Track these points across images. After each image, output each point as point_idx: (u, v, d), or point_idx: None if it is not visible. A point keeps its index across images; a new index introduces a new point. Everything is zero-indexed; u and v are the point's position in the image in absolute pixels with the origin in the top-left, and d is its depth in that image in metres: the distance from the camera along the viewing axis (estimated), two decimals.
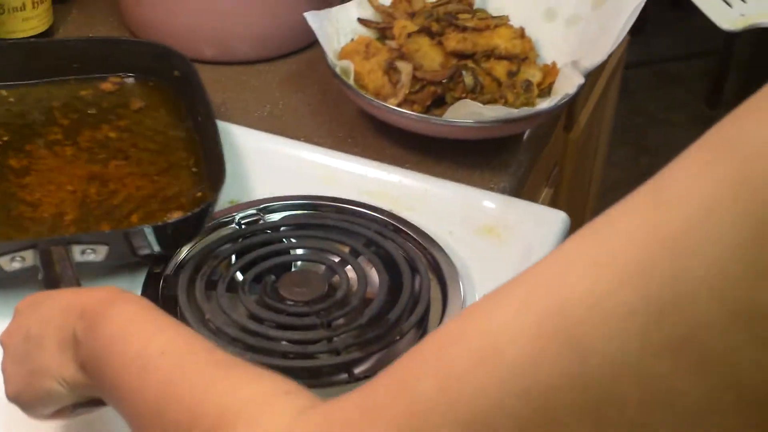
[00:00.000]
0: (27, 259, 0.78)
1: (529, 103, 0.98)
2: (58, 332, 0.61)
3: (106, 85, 1.00)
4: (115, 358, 0.56)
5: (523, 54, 1.02)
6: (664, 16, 2.87)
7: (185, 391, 0.52)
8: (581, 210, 1.70)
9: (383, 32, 1.06)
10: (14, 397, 0.64)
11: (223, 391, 0.50)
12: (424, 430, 0.40)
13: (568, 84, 0.97)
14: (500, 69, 1.00)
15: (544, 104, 0.96)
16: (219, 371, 0.53)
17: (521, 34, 1.04)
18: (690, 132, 2.63)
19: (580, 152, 1.49)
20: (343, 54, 1.02)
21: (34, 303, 0.65)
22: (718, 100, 2.67)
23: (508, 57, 1.01)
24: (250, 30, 1.11)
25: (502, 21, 1.05)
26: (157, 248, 0.82)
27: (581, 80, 0.95)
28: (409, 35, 1.01)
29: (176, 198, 0.89)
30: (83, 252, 0.80)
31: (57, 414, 0.65)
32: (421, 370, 0.42)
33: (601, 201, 2.08)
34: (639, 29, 2.16)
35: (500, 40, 1.02)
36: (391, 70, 0.99)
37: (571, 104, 1.32)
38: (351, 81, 0.99)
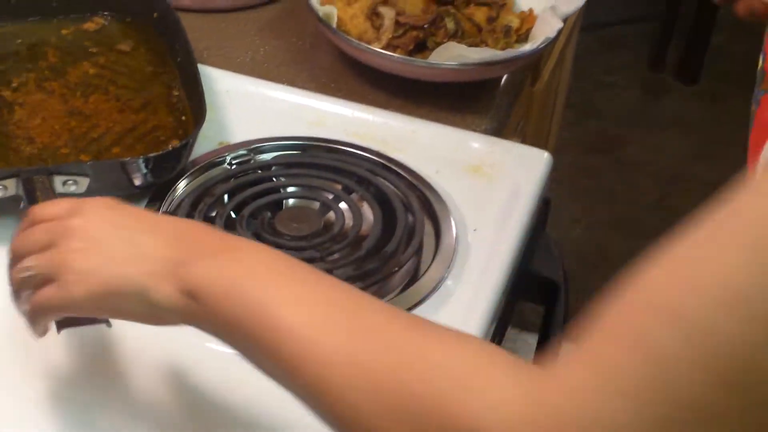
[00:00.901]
0: (9, 188, 0.79)
1: (508, 47, 1.01)
2: (155, 250, 0.57)
3: (89, 25, 1.01)
4: (244, 308, 0.53)
5: (501, 0, 1.04)
6: None
7: (407, 363, 0.48)
8: None
9: None
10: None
11: (434, 361, 0.47)
12: (675, 385, 0.40)
13: (546, 29, 0.99)
14: (480, 15, 1.02)
15: (526, 47, 0.99)
16: (419, 337, 0.49)
17: None
18: (634, 94, 2.69)
19: (541, 109, 1.52)
20: (326, 0, 1.03)
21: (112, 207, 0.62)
22: (661, 64, 2.73)
23: (487, 3, 1.03)
24: None
25: None
26: (138, 182, 0.83)
27: (560, 24, 0.98)
28: None
29: (155, 133, 0.90)
30: (64, 183, 0.80)
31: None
32: (655, 323, 0.41)
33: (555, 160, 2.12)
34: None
35: None
36: (373, 15, 1.01)
37: (537, 58, 1.35)
38: (334, 26, 1.00)
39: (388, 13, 1.00)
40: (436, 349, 0.48)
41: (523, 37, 1.03)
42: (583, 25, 2.76)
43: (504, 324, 0.86)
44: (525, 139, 1.40)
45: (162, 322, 0.60)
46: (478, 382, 0.46)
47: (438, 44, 0.98)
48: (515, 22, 1.03)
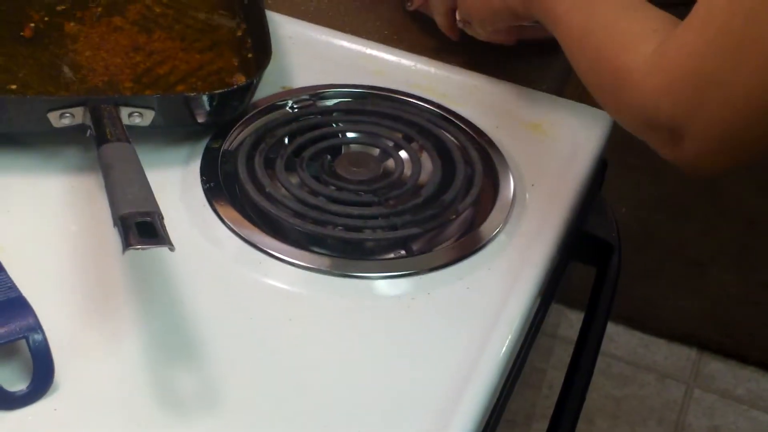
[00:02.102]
0: (76, 116, 0.80)
1: None
2: None
3: None
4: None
5: None
6: None
7: (599, 26, 0.74)
8: None
9: None
10: (466, 14, 0.92)
11: (621, 28, 0.72)
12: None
13: None
14: None
15: None
16: (622, 13, 0.73)
17: None
18: None
19: None
20: None
21: None
22: None
23: None
24: None
25: None
26: (201, 119, 0.84)
27: None
28: None
29: (220, 75, 0.90)
30: (130, 115, 0.81)
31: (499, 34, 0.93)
32: None
33: None
34: None
35: None
36: None
37: None
38: None
39: None
40: (623, 19, 0.73)
41: None
42: None
43: (555, 282, 0.86)
44: (583, 102, 1.40)
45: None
46: (638, 45, 0.69)
47: None
48: None
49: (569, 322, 1.28)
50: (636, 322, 1.97)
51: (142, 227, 0.65)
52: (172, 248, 0.65)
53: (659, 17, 0.72)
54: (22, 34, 0.91)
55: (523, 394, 1.08)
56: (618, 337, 1.96)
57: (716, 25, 0.64)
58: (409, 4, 1.02)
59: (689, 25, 0.66)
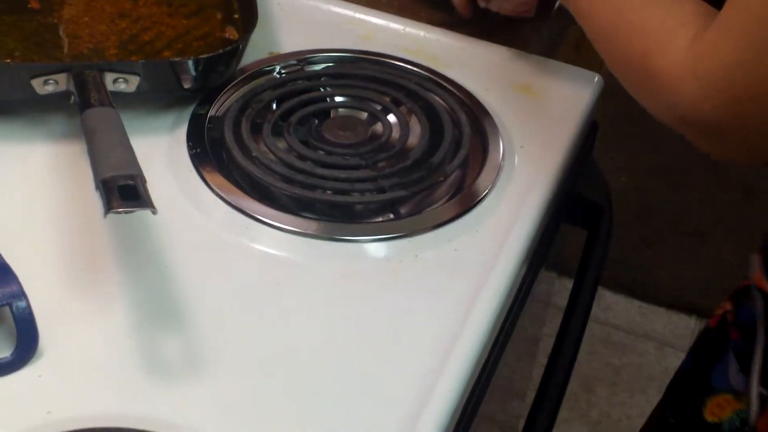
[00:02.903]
0: (60, 83, 0.79)
1: None
2: None
3: None
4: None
5: None
6: None
7: (626, 23, 0.71)
8: None
9: None
10: None
11: (648, 26, 0.70)
12: None
13: None
14: None
15: None
16: (647, 7, 0.71)
17: None
18: None
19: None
20: None
21: None
22: None
23: None
24: None
25: None
26: (187, 84, 0.83)
27: None
28: None
29: (207, 40, 0.89)
30: (115, 81, 0.80)
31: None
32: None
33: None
34: None
35: None
36: None
37: None
38: None
39: None
40: (650, 14, 0.70)
41: None
42: None
43: (546, 245, 0.86)
44: (580, 60, 1.38)
45: None
46: (667, 45, 0.67)
47: None
48: None
49: (564, 289, 1.28)
50: (635, 291, 1.97)
51: (124, 190, 0.65)
52: (154, 211, 0.64)
53: (685, 8, 0.69)
54: (29, 5, 0.90)
55: (516, 363, 1.08)
56: (617, 306, 1.95)
57: (752, 33, 0.62)
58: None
59: (723, 30, 0.65)
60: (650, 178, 2.23)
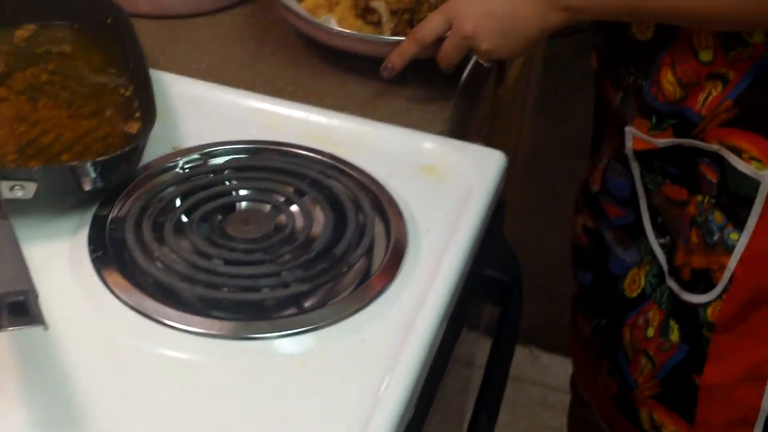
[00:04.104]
0: None
1: None
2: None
3: (41, 31, 1.00)
4: None
5: None
6: None
7: None
8: (509, 172, 1.73)
9: None
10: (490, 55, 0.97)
11: None
12: None
13: None
14: None
15: None
16: None
17: None
18: None
19: (507, 115, 1.52)
20: (307, 10, 1.04)
21: None
22: None
23: None
24: None
25: None
26: (87, 186, 0.82)
27: None
28: None
29: (107, 140, 0.89)
30: (12, 188, 0.79)
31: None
32: None
33: (529, 167, 2.12)
34: None
35: None
36: (367, 11, 1.01)
37: (501, 61, 1.35)
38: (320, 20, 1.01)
39: (381, 6, 1.01)
40: None
41: None
42: (558, 31, 2.77)
43: (459, 324, 0.86)
44: (490, 145, 1.40)
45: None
46: None
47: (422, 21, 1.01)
48: None
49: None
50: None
51: (14, 307, 0.64)
52: (45, 327, 0.63)
53: None
54: None
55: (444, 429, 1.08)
56: (553, 367, 1.96)
57: None
58: (388, 69, 1.00)
59: None
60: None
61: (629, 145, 1.01)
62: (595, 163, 1.16)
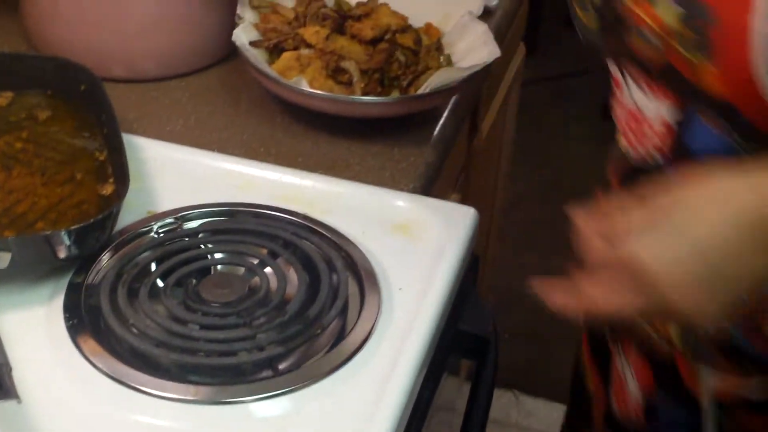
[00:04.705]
0: None
1: (449, 63, 1.05)
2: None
3: (15, 99, 1.01)
4: None
5: (404, 23, 1.08)
6: (557, 35, 2.97)
7: None
8: (488, 221, 1.75)
9: (274, 48, 1.09)
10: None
11: None
12: None
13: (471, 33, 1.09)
14: (408, 41, 1.06)
15: (483, 56, 1.05)
16: None
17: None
18: (588, 144, 2.71)
19: (484, 162, 1.53)
20: (278, 72, 1.05)
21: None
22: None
23: (404, 29, 1.08)
24: (157, 49, 1.13)
25: (375, 3, 1.12)
26: (62, 254, 0.83)
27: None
28: (327, 37, 1.06)
29: (81, 207, 0.90)
30: None
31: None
32: None
33: (508, 213, 2.13)
34: (533, 48, 2.23)
35: (387, 18, 1.08)
36: (338, 72, 1.03)
37: (474, 112, 1.37)
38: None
39: (351, 66, 1.02)
40: None
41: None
42: (535, 78, 2.81)
43: (437, 378, 0.86)
44: (467, 196, 1.42)
45: None
46: None
47: (392, 79, 1.04)
48: (425, 39, 1.08)
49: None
50: (554, 394, 1.98)
51: None
52: (18, 401, 0.64)
53: None
54: None
55: None
56: (538, 411, 1.96)
57: None
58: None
59: None
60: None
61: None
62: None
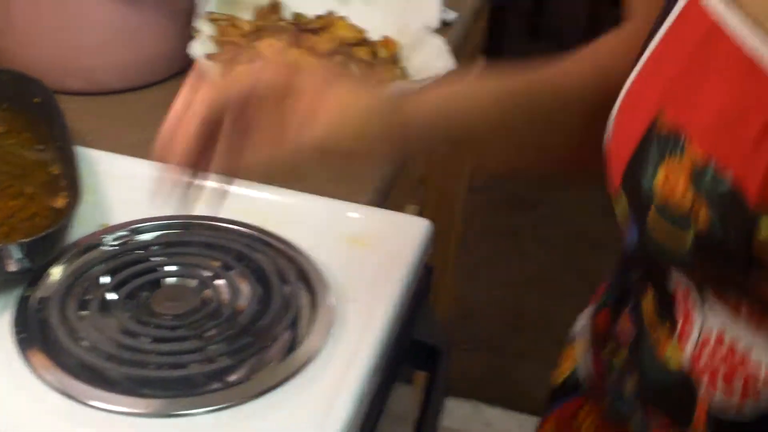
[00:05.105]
0: None
1: (404, 76, 1.06)
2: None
3: None
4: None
5: (361, 36, 1.09)
6: (520, 47, 2.99)
7: None
8: (447, 233, 1.75)
9: (230, 62, 1.09)
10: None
11: None
12: None
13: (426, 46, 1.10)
14: (364, 53, 1.07)
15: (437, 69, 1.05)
16: None
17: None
18: None
19: (444, 172, 1.54)
20: None
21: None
22: None
23: (360, 42, 1.08)
24: (114, 62, 1.13)
25: (333, 16, 1.13)
26: (13, 268, 0.82)
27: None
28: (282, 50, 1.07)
29: (34, 220, 0.90)
30: None
31: None
32: None
33: (471, 223, 2.15)
34: (496, 61, 2.25)
35: (343, 32, 1.08)
36: None
37: None
38: None
39: None
40: None
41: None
42: None
43: (387, 388, 0.87)
44: (426, 207, 1.43)
45: None
46: None
47: None
48: (383, 51, 1.09)
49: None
50: (512, 404, 1.99)
51: None
52: None
53: None
54: None
55: None
56: (496, 421, 1.97)
57: None
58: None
59: None
60: (521, 288, 2.27)
61: None
62: None
